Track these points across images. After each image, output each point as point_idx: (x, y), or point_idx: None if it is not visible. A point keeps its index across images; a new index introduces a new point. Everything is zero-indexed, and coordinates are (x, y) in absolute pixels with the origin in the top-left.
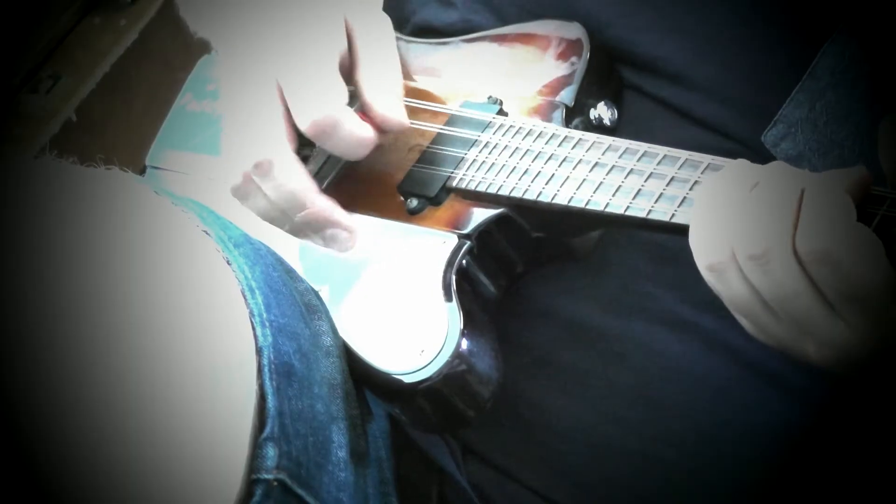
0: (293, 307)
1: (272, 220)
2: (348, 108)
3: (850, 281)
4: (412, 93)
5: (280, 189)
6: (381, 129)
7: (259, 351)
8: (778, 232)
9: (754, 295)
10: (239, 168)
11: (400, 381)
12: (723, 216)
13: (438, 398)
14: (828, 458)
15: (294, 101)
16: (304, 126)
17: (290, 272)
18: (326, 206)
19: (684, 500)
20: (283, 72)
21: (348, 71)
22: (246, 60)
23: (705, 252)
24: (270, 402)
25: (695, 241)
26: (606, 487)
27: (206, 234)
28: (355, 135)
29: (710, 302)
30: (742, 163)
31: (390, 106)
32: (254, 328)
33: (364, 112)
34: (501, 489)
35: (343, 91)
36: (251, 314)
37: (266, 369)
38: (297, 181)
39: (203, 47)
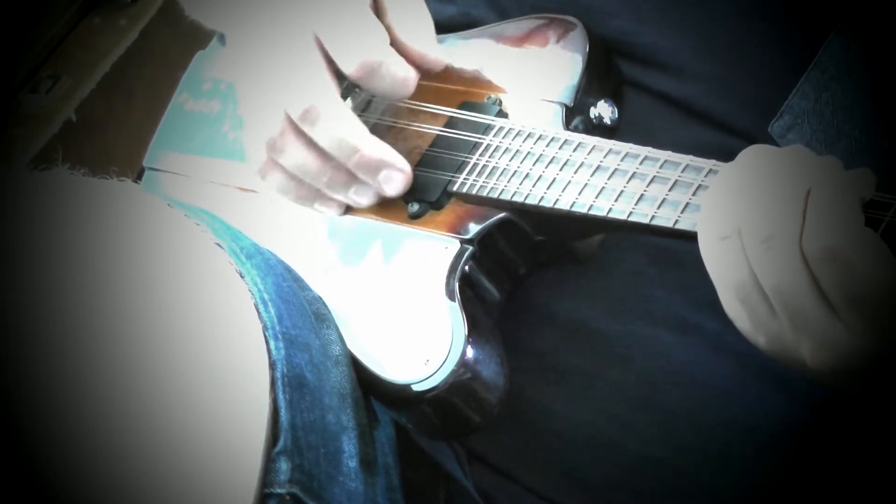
0: (304, 317)
1: (305, 175)
2: (391, 48)
3: (858, 282)
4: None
5: (332, 132)
6: (420, 69)
7: (272, 364)
8: (784, 221)
9: (753, 280)
10: (277, 121)
11: (405, 391)
12: (733, 196)
13: (445, 407)
14: (830, 459)
15: (336, 46)
16: (350, 68)
17: (298, 281)
18: (380, 146)
19: (688, 502)
20: (317, 25)
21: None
22: (268, 27)
23: (713, 226)
24: (283, 415)
25: (704, 217)
26: (610, 489)
27: (219, 246)
28: (400, 74)
29: (714, 304)
30: (756, 148)
31: (426, 45)
32: (267, 341)
33: (401, 54)
34: (506, 492)
35: (383, 31)
36: (264, 327)
37: (279, 382)
38: (348, 123)
39: (199, 41)
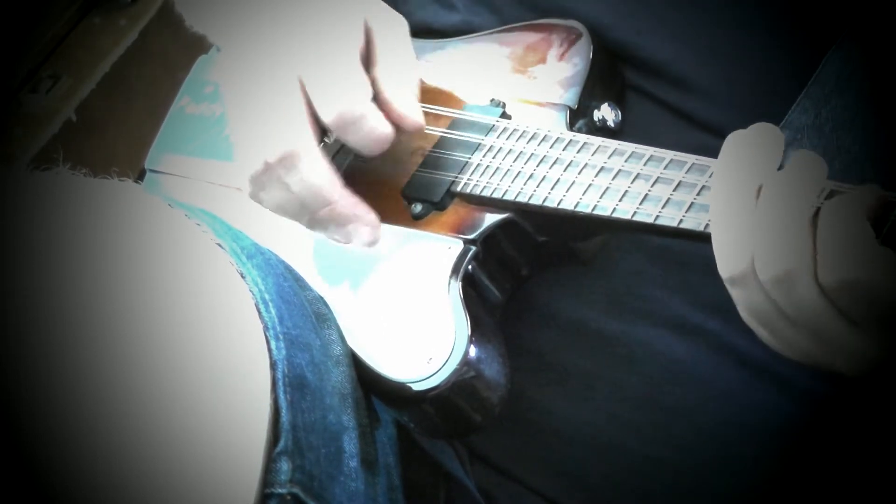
0: (304, 317)
1: (286, 212)
2: (372, 102)
3: (883, 302)
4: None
5: (305, 183)
6: (398, 127)
7: (273, 365)
8: (797, 255)
9: (775, 307)
10: (259, 157)
11: (408, 389)
12: (740, 225)
13: (447, 405)
14: (831, 459)
15: (317, 93)
16: (328, 118)
17: (298, 280)
18: (351, 202)
19: (688, 502)
20: (303, 66)
21: (366, 68)
22: (258, 57)
23: (726, 264)
24: (284, 416)
25: (717, 250)
26: (611, 490)
27: (220, 246)
28: (377, 130)
29: (716, 305)
30: (739, 154)
31: (408, 105)
32: (268, 342)
33: (381, 109)
34: (507, 492)
35: (367, 85)
36: (265, 328)
37: (280, 383)
38: (322, 175)
39: (200, 44)
